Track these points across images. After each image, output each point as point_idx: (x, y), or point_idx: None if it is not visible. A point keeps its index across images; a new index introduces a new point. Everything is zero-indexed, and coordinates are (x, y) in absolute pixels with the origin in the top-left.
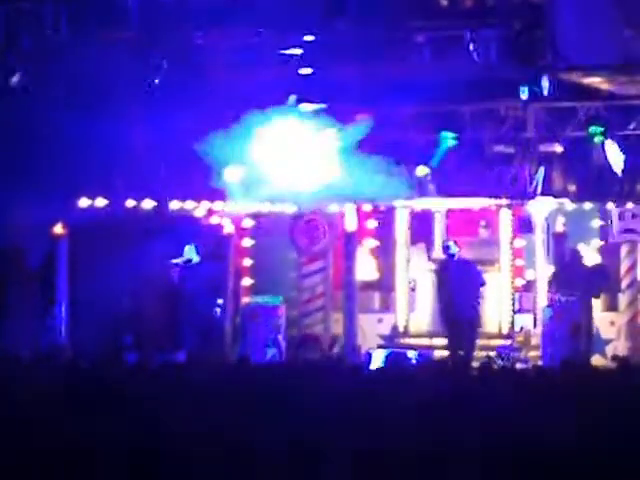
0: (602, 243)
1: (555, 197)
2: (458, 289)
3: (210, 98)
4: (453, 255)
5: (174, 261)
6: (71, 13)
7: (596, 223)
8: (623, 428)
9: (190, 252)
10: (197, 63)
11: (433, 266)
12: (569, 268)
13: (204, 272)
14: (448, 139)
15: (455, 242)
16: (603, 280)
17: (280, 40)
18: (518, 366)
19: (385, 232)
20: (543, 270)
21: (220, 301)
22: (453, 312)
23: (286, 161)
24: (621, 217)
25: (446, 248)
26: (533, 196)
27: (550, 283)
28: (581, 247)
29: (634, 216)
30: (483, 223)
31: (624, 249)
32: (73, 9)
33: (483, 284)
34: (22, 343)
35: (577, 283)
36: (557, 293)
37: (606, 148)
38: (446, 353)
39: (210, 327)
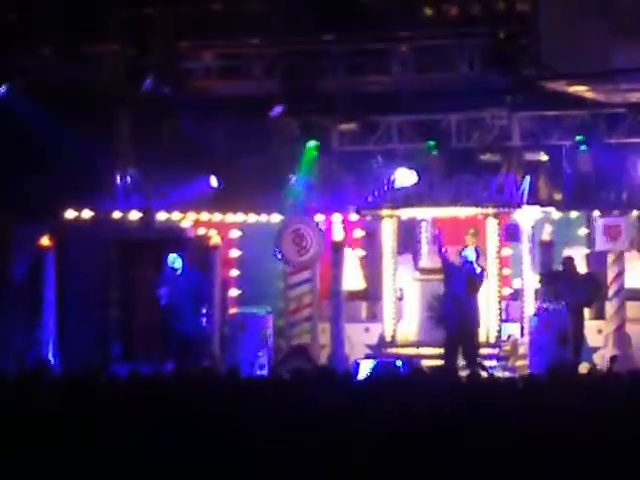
0: (588, 251)
1: (541, 206)
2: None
3: (197, 106)
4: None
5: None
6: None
7: (582, 231)
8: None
9: (175, 261)
10: (184, 73)
11: (420, 275)
12: (559, 276)
13: (187, 281)
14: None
15: (474, 249)
16: (596, 289)
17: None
18: (505, 375)
19: (372, 241)
20: (530, 279)
21: (204, 310)
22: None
23: None
24: (605, 226)
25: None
26: (519, 205)
27: (538, 291)
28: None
29: (617, 225)
30: (472, 231)
31: (610, 257)
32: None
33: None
34: (8, 356)
35: (567, 292)
36: (545, 301)
37: None
38: (434, 362)
39: (192, 337)
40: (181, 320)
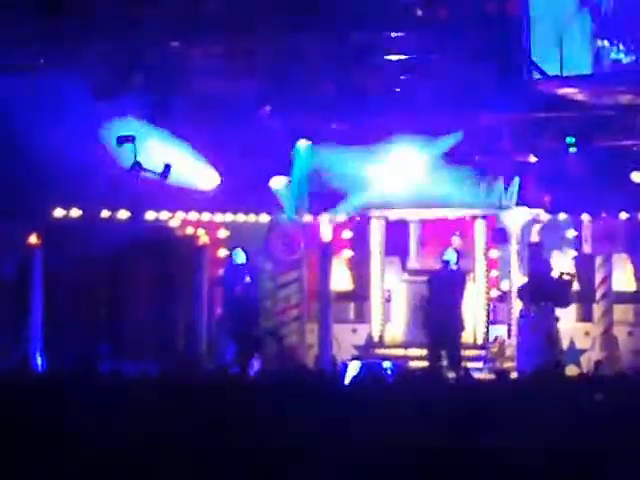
0: (576, 253)
1: (530, 208)
2: (442, 298)
3: (185, 105)
4: (447, 265)
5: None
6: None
7: (570, 233)
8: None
9: (240, 256)
10: (173, 69)
11: (408, 277)
12: (542, 279)
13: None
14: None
15: (455, 251)
16: (563, 293)
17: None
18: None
19: (360, 242)
20: (518, 281)
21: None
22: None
23: None
24: (595, 228)
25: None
26: (508, 207)
27: (522, 294)
28: (555, 257)
29: (607, 227)
30: (457, 233)
31: (598, 260)
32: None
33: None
34: None
35: (548, 294)
36: (531, 304)
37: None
38: (422, 363)
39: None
40: (247, 318)
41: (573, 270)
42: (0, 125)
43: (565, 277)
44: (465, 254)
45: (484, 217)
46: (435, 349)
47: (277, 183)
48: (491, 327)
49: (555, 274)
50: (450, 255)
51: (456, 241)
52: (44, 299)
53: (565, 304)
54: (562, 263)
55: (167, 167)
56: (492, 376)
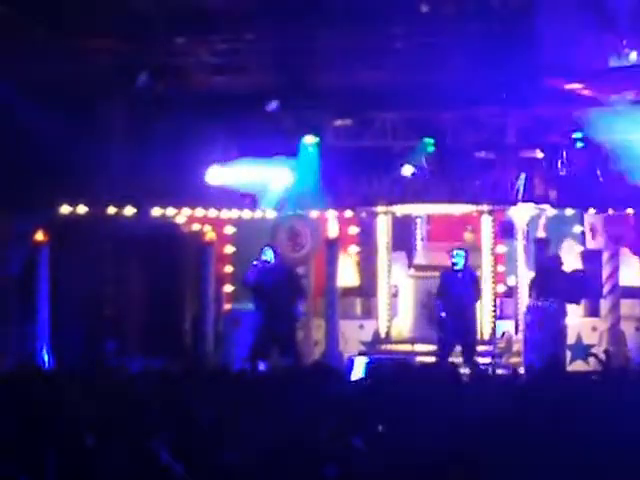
0: (583, 249)
1: (536, 203)
2: (459, 300)
3: (193, 103)
4: (457, 265)
5: (254, 262)
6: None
7: (577, 229)
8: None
9: (268, 253)
10: (179, 69)
11: (414, 272)
12: (550, 274)
13: (280, 273)
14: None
15: (465, 251)
16: (585, 287)
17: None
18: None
19: (367, 238)
20: (524, 276)
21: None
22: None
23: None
24: (607, 223)
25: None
26: (514, 202)
27: (531, 289)
28: (562, 253)
29: (620, 222)
30: (469, 228)
31: (605, 255)
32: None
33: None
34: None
35: (558, 289)
36: (539, 299)
37: None
38: (429, 359)
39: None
40: (276, 316)
41: (580, 265)
42: (7, 121)
43: (578, 274)
44: (473, 249)
45: (491, 212)
46: (447, 347)
47: (281, 178)
48: (498, 322)
49: (567, 269)
50: (460, 258)
51: (469, 236)
52: (50, 296)
53: (578, 301)
54: (569, 258)
55: None
56: (501, 371)
